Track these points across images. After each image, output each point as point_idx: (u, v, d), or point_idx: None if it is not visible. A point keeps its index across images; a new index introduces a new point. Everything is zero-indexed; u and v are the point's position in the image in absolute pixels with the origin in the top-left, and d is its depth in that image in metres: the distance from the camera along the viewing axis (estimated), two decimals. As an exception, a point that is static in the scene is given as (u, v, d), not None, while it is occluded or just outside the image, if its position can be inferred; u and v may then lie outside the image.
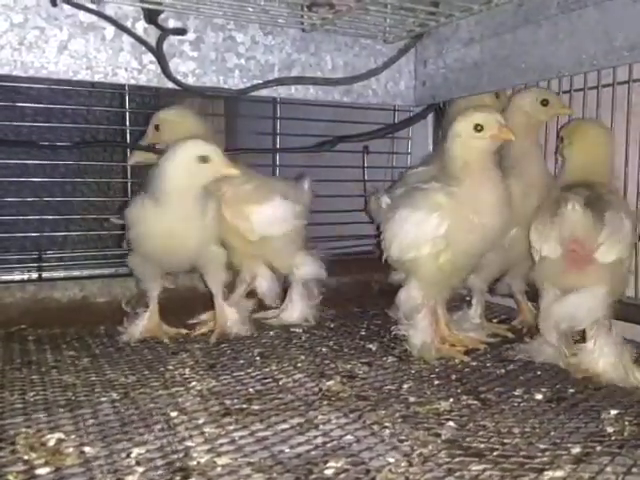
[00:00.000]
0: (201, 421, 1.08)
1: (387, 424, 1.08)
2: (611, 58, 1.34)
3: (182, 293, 1.77)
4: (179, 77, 1.47)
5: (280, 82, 1.56)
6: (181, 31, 1.43)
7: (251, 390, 1.25)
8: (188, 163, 1.44)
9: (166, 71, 1.43)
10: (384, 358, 1.51)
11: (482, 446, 1.00)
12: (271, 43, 1.57)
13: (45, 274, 1.79)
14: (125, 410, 1.12)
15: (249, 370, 1.39)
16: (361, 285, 2.22)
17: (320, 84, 1.64)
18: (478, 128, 1.36)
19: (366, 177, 2.26)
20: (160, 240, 1.49)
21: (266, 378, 1.33)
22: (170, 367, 1.39)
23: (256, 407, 1.15)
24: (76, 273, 1.82)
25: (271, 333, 1.72)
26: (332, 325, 1.83)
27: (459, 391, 1.28)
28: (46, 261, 1.86)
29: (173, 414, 1.11)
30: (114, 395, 1.19)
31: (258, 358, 1.48)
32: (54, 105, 2.02)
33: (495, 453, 0.97)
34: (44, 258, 1.88)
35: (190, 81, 1.48)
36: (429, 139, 2.16)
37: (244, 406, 1.16)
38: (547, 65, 1.46)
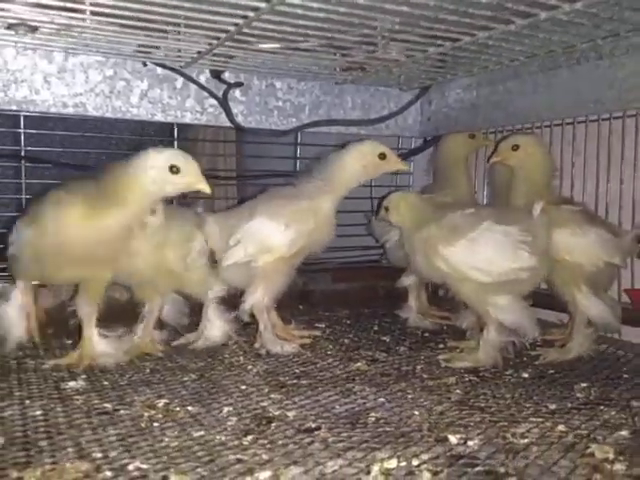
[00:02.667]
0: (266, 390, 1.40)
1: (409, 392, 1.41)
2: (579, 109, 1.69)
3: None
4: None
5: (317, 124, 1.90)
6: (240, 84, 1.76)
7: (297, 371, 1.58)
8: (371, 157, 1.72)
9: (230, 116, 1.77)
10: (397, 347, 1.83)
11: (482, 405, 1.33)
12: (303, 88, 1.91)
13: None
14: (206, 385, 1.43)
15: (289, 357, 1.70)
16: (369, 290, 2.53)
17: (346, 125, 1.98)
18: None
19: (373, 195, 2.57)
20: None
21: (305, 362, 1.66)
22: (226, 355, 1.71)
23: (304, 382, 1.48)
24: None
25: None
26: (348, 322, 2.16)
27: (462, 371, 1.60)
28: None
29: (242, 387, 1.43)
30: (192, 376, 1.50)
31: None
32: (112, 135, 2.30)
33: (492, 409, 1.30)
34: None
35: (240, 120, 1.82)
36: (429, 163, 2.49)
37: (295, 381, 1.48)
38: (529, 111, 1.81)
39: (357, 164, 1.73)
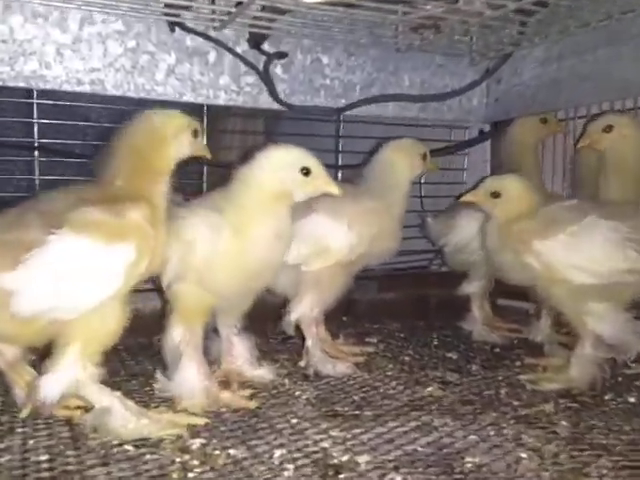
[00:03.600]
0: (323, 426, 1.13)
1: (503, 425, 1.13)
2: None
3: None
4: (272, 98, 1.54)
5: (373, 100, 1.63)
6: (284, 55, 1.50)
7: (356, 398, 1.30)
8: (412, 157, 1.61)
9: (273, 93, 1.50)
10: (468, 366, 1.55)
11: (603, 441, 1.05)
12: (354, 64, 1.65)
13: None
14: (249, 419, 1.16)
15: (343, 379, 1.43)
16: (419, 299, 2.25)
17: (405, 100, 1.70)
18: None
19: (422, 193, 2.30)
20: None
21: (364, 386, 1.38)
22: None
23: (368, 413, 1.20)
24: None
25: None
26: (402, 335, 1.88)
27: (554, 395, 1.33)
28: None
29: (293, 420, 1.16)
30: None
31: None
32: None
33: (618, 447, 1.02)
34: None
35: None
36: (487, 155, 2.21)
37: (357, 412, 1.20)
38: (629, 83, 1.51)
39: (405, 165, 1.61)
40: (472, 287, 1.89)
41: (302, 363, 1.52)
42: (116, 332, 1.09)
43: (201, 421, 1.13)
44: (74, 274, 1.01)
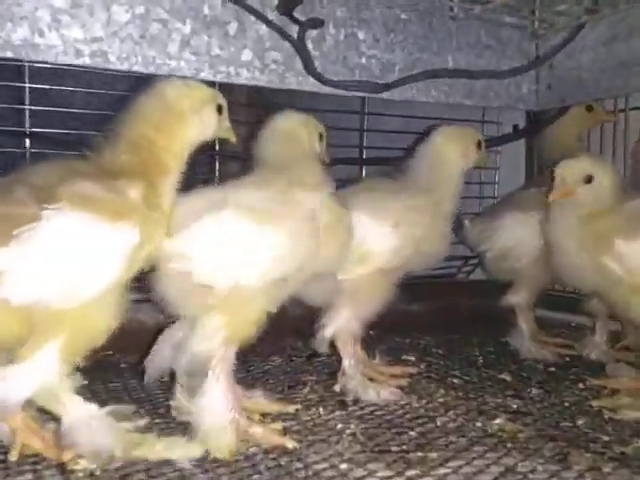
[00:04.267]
0: (382, 473, 0.91)
1: (605, 470, 0.92)
2: None
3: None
4: (301, 77, 1.33)
5: (421, 77, 1.41)
6: (319, 23, 1.28)
7: (412, 433, 1.08)
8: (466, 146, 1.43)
9: (309, 66, 1.28)
10: (528, 390, 1.35)
11: None
12: (393, 41, 1.44)
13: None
14: (287, 462, 0.94)
15: (389, 407, 1.21)
16: (450, 310, 2.04)
17: (456, 77, 1.49)
18: None
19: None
20: None
21: (417, 417, 1.16)
22: (298, 406, 1.21)
23: (434, 455, 0.98)
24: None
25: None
26: (440, 352, 1.67)
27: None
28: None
29: (343, 466, 0.93)
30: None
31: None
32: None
33: None
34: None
35: (311, 81, 1.34)
36: (521, 153, 2.03)
37: (419, 454, 0.99)
38: None
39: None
40: (518, 298, 1.68)
41: (337, 387, 1.31)
42: (106, 331, 0.89)
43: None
44: (74, 254, 0.84)
